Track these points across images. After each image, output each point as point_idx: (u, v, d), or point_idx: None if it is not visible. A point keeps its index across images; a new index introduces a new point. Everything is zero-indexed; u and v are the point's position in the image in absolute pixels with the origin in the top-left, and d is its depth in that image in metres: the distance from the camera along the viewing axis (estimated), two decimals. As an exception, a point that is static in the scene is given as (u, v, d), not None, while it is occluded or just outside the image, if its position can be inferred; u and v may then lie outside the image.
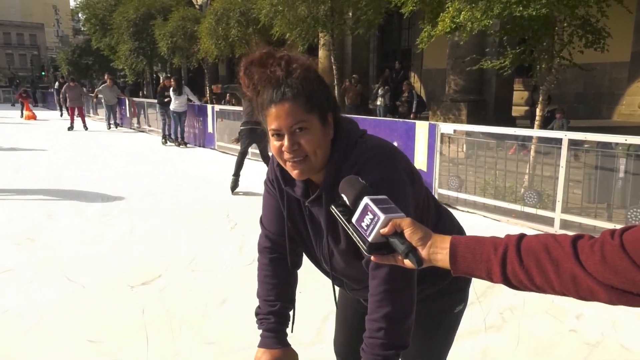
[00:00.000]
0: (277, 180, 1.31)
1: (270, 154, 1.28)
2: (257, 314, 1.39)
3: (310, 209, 1.28)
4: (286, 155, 1.15)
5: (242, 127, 6.49)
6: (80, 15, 26.75)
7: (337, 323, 1.68)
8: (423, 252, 0.89)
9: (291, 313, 1.42)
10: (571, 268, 0.76)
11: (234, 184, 6.36)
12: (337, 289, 1.44)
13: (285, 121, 1.12)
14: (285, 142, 1.14)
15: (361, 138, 1.22)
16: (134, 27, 17.92)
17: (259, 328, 1.38)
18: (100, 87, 15.25)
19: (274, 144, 1.16)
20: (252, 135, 6.28)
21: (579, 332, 2.87)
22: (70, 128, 14.67)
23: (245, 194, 6.25)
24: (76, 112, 14.94)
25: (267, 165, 6.72)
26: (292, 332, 1.41)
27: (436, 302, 1.41)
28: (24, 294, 3.36)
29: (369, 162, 1.16)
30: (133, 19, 17.92)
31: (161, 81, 12.44)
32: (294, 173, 1.18)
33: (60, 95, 16.75)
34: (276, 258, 1.40)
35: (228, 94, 15.37)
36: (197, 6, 19.48)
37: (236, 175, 6.41)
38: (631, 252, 0.70)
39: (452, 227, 1.44)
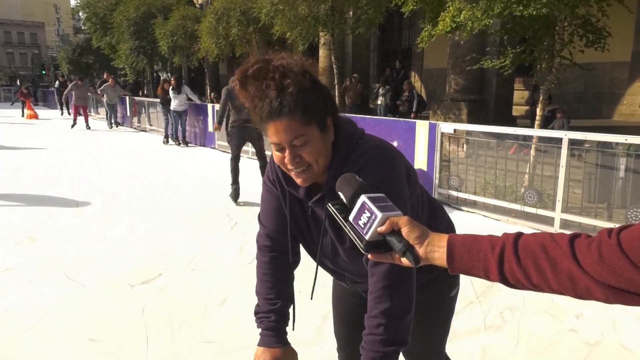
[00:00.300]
0: (279, 181, 1.32)
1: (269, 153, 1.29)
2: (256, 313, 1.39)
3: (313, 209, 1.30)
4: (289, 167, 1.18)
5: (231, 127, 5.79)
6: (80, 14, 26.75)
7: (334, 317, 1.69)
8: (420, 251, 0.89)
9: (291, 311, 1.43)
10: (568, 267, 0.76)
11: (235, 194, 5.81)
12: (317, 283, 1.44)
13: (284, 136, 1.13)
14: (287, 155, 1.16)
15: (361, 139, 1.25)
16: (134, 26, 17.94)
17: (258, 327, 1.38)
18: (102, 87, 15.27)
19: (276, 153, 1.19)
20: (244, 133, 5.65)
21: (579, 332, 2.87)
22: (74, 125, 14.70)
23: (246, 193, 6.23)
24: (80, 111, 14.95)
25: (262, 168, 6.13)
26: (293, 329, 1.41)
27: (434, 287, 1.44)
28: (24, 293, 3.37)
29: (370, 163, 1.18)
30: (133, 18, 17.94)
31: (160, 83, 12.46)
32: (298, 181, 1.21)
33: (66, 93, 16.72)
34: (275, 256, 1.41)
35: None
36: (197, 5, 19.49)
37: (235, 183, 5.82)
38: (628, 251, 0.70)
39: (442, 221, 1.48)
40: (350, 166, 1.18)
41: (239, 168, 5.85)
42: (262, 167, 5.85)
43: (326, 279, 1.72)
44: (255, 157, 6.20)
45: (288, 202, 1.33)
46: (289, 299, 1.41)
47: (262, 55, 1.16)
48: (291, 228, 1.37)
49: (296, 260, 1.45)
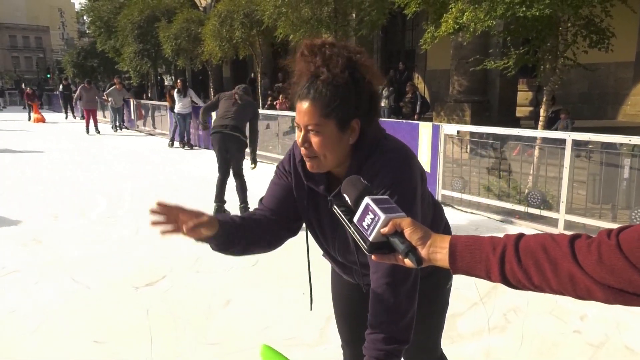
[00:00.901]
0: (297, 175, 1.35)
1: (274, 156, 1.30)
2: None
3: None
4: (301, 149, 1.23)
5: (211, 135, 5.16)
6: (85, 17, 26.97)
7: (336, 315, 1.71)
8: (422, 252, 0.90)
9: (306, 293, 1.44)
10: (569, 268, 0.76)
11: (216, 214, 4.81)
12: (319, 284, 1.45)
13: (302, 118, 1.19)
14: (300, 136, 1.21)
15: (385, 139, 1.28)
16: (138, 29, 18.01)
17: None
18: (109, 90, 15.30)
19: (298, 133, 1.24)
20: (224, 141, 4.96)
21: (583, 333, 2.86)
22: (87, 131, 14.58)
23: (248, 196, 6.24)
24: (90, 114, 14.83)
25: (238, 189, 5.10)
26: (311, 309, 1.42)
27: (435, 277, 1.46)
28: (29, 295, 3.39)
29: (388, 165, 1.22)
30: (137, 22, 18.01)
31: (167, 91, 12.45)
32: (307, 165, 1.25)
33: (75, 96, 16.69)
34: (264, 216, 1.38)
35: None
36: (201, 8, 19.55)
37: (219, 201, 5.09)
38: (627, 252, 0.70)
39: (442, 221, 1.52)
40: (369, 165, 1.22)
41: (225, 185, 5.15)
42: (240, 188, 5.10)
43: (327, 280, 1.72)
44: (259, 160, 5.71)
45: (306, 198, 1.36)
46: (250, 231, 1.32)
47: (328, 39, 1.23)
48: (306, 223, 1.40)
49: (283, 234, 1.40)
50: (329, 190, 1.29)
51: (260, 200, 1.44)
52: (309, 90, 1.17)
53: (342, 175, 1.25)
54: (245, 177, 5.17)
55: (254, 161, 5.24)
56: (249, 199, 5.22)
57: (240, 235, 1.28)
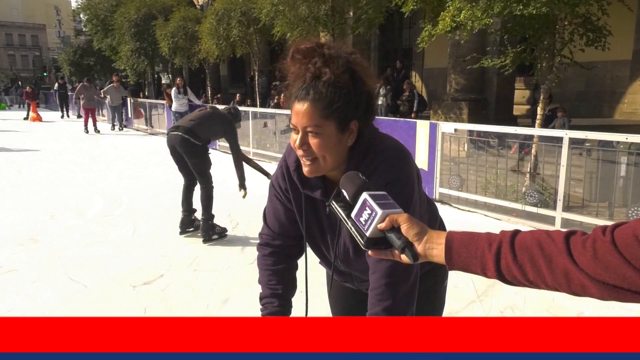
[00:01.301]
0: (293, 187, 1.33)
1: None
2: (260, 299, 1.42)
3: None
4: (299, 152, 1.20)
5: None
6: (81, 16, 26.85)
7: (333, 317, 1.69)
8: (419, 248, 0.90)
9: (303, 298, 1.44)
10: (564, 264, 0.77)
11: (183, 223, 4.61)
12: (318, 284, 1.45)
13: (300, 120, 1.16)
14: (298, 138, 1.19)
15: (379, 137, 1.27)
16: (135, 27, 17.95)
17: (262, 313, 1.40)
18: (106, 88, 15.22)
19: (293, 136, 1.21)
20: (171, 144, 4.37)
21: (580, 330, 2.87)
22: (86, 131, 14.39)
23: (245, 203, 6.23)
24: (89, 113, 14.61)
25: (202, 198, 4.53)
26: (306, 314, 1.44)
27: (432, 277, 1.46)
28: (26, 294, 3.38)
29: (385, 163, 1.21)
30: (134, 20, 17.95)
31: (164, 89, 12.43)
32: (304, 169, 1.23)
33: (74, 95, 16.53)
34: (277, 251, 1.44)
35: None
36: (198, 6, 19.51)
37: (185, 210, 4.61)
38: (622, 248, 0.71)
39: (437, 220, 1.51)
40: (366, 165, 1.21)
41: (191, 193, 4.67)
42: (205, 197, 4.45)
43: (325, 280, 1.72)
44: (257, 158, 5.45)
45: (303, 206, 1.34)
46: (292, 287, 1.45)
47: (322, 40, 1.20)
48: (305, 233, 1.39)
49: (299, 254, 1.48)
50: (326, 195, 1.28)
51: (264, 218, 1.45)
52: (307, 91, 1.14)
53: (338, 179, 1.24)
54: (212, 185, 4.50)
55: (241, 187, 4.61)
56: (244, 209, 4.99)
57: (293, 280, 1.48)
